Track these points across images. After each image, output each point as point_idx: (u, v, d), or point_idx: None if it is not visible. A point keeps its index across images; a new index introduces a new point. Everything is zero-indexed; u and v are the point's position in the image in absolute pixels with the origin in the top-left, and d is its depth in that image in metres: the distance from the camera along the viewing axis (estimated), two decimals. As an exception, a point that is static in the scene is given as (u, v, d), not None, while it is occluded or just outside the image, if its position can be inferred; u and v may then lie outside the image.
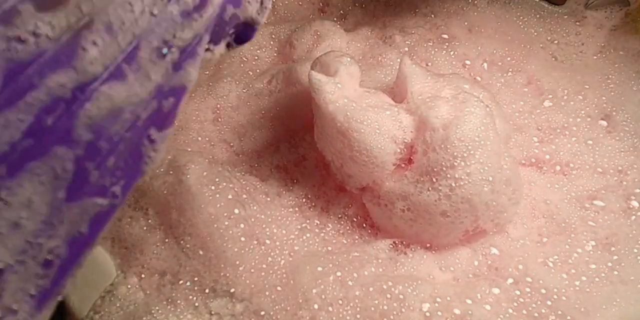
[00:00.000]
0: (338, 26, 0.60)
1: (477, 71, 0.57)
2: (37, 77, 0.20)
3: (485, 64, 0.58)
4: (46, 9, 0.20)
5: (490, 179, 0.44)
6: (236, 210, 0.48)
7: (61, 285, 0.24)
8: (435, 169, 0.44)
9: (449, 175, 0.43)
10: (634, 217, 0.49)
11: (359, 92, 0.48)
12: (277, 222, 0.49)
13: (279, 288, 0.45)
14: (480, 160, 0.44)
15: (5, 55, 0.19)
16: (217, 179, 0.49)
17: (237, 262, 0.46)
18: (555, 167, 0.52)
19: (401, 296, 0.44)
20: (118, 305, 0.47)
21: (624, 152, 0.52)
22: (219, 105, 0.56)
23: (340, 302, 0.44)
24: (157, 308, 0.46)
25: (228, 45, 0.29)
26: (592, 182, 0.50)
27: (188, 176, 0.48)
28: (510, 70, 0.58)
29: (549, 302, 0.44)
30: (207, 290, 0.46)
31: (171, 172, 0.49)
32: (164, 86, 0.25)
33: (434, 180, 0.44)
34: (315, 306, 0.44)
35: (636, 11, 0.60)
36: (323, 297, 0.44)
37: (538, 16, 0.62)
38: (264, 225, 0.48)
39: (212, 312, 0.46)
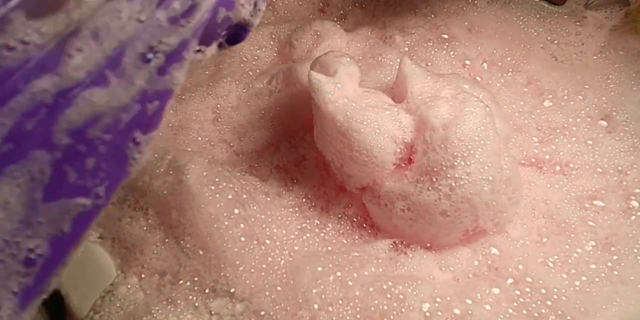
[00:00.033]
0: (338, 26, 0.60)
1: (477, 71, 0.57)
2: (22, 83, 0.21)
3: (485, 64, 0.58)
4: (37, 17, 0.20)
5: (490, 178, 0.44)
6: (236, 210, 0.48)
7: (45, 284, 0.25)
8: (435, 169, 0.44)
9: (449, 175, 0.43)
10: (633, 217, 0.49)
11: (359, 92, 0.48)
12: (277, 222, 0.49)
13: (279, 288, 0.45)
14: (480, 160, 0.44)
15: None
16: (217, 179, 0.49)
17: (237, 262, 0.46)
18: (555, 167, 0.52)
19: (401, 296, 0.44)
20: (118, 305, 0.47)
21: (624, 152, 0.52)
22: (219, 105, 0.56)
23: (340, 302, 0.44)
24: (157, 308, 0.46)
25: (220, 46, 0.30)
26: (592, 182, 0.51)
27: (188, 176, 0.48)
28: (510, 70, 0.58)
29: (549, 302, 0.44)
30: (207, 290, 0.46)
31: (171, 172, 0.49)
32: (148, 90, 0.25)
33: (434, 180, 0.44)
34: (315, 306, 0.44)
35: (636, 11, 0.60)
36: (323, 297, 0.44)
37: (538, 16, 0.62)
38: (264, 225, 0.48)
39: (212, 312, 0.46)
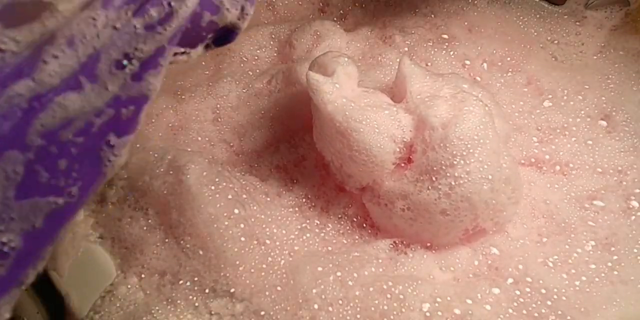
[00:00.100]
0: (338, 26, 0.60)
1: (476, 71, 0.57)
2: (3, 88, 0.22)
3: (485, 64, 0.58)
4: (13, 26, 0.21)
5: (490, 177, 0.44)
6: (236, 210, 0.48)
7: (21, 275, 0.26)
8: (434, 168, 0.44)
9: (448, 174, 0.44)
10: (633, 217, 0.49)
11: (357, 91, 0.48)
12: (277, 222, 0.49)
13: (279, 288, 0.45)
14: (479, 158, 0.44)
15: None
16: (217, 179, 0.49)
17: (237, 262, 0.46)
18: (555, 167, 0.52)
19: (401, 296, 0.44)
20: (118, 305, 0.47)
21: (624, 152, 0.52)
22: (219, 105, 0.56)
23: (340, 302, 0.44)
24: (157, 308, 0.46)
25: (207, 47, 0.30)
26: (592, 182, 0.51)
27: (188, 176, 0.48)
28: (510, 70, 0.58)
29: (549, 302, 0.44)
30: (207, 290, 0.46)
31: (171, 172, 0.49)
32: (122, 96, 0.26)
33: (434, 179, 0.44)
34: (315, 306, 0.44)
35: (636, 11, 0.60)
36: (323, 297, 0.44)
37: (538, 16, 0.62)
38: (264, 225, 0.48)
39: (212, 312, 0.46)
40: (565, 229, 0.48)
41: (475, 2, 0.62)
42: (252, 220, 0.48)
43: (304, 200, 0.51)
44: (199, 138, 0.55)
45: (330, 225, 0.50)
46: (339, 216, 0.50)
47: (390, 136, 0.46)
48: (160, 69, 0.27)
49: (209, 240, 0.46)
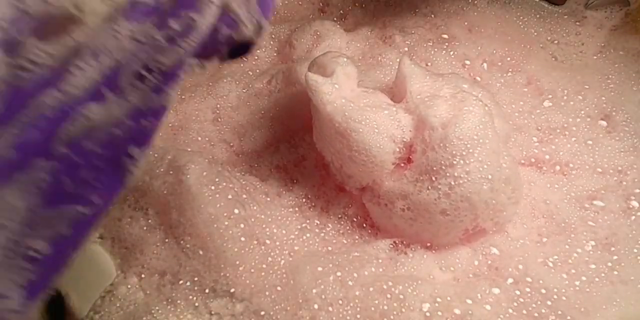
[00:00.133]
0: (338, 26, 0.60)
1: (477, 71, 0.57)
2: (30, 98, 0.22)
3: (485, 64, 0.58)
4: (46, 39, 0.22)
5: (490, 177, 0.44)
6: (236, 210, 0.48)
7: (49, 280, 0.27)
8: (434, 168, 0.44)
9: (448, 174, 0.44)
10: (633, 217, 0.49)
11: (357, 92, 0.48)
12: (277, 222, 0.49)
13: (279, 288, 0.45)
14: (479, 158, 0.44)
15: (8, 81, 0.21)
16: (217, 179, 0.49)
17: (237, 262, 0.46)
18: (555, 167, 0.52)
19: (401, 296, 0.44)
20: (118, 305, 0.47)
21: (624, 152, 0.52)
22: (219, 105, 0.56)
23: (340, 302, 0.44)
24: (157, 308, 0.46)
25: (221, 59, 0.31)
26: (592, 182, 0.50)
27: (188, 176, 0.48)
28: (510, 70, 0.58)
29: (549, 302, 0.44)
30: (207, 290, 0.46)
31: (171, 172, 0.49)
32: (143, 107, 0.26)
33: (434, 179, 0.44)
34: (315, 306, 0.44)
35: (636, 11, 0.60)
36: (323, 297, 0.44)
37: (538, 16, 0.62)
38: (264, 225, 0.48)
39: (212, 312, 0.46)
40: (565, 229, 0.48)
41: (475, 2, 0.62)
42: (252, 220, 0.48)
43: (304, 200, 0.51)
44: (199, 138, 0.55)
45: (330, 225, 0.50)
46: (339, 216, 0.50)
47: (390, 136, 0.46)
48: (178, 80, 0.28)
49: (209, 240, 0.46)
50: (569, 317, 0.44)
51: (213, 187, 0.48)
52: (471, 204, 0.44)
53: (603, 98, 0.55)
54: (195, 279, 0.46)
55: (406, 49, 0.59)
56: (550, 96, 0.56)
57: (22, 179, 0.24)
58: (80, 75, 0.24)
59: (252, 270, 0.46)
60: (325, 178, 0.51)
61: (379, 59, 0.58)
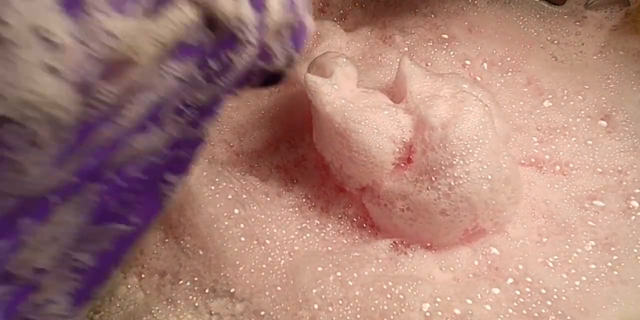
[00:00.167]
0: (338, 26, 0.60)
1: (477, 71, 0.57)
2: (92, 131, 0.24)
3: (485, 64, 0.58)
4: (108, 79, 0.23)
5: (489, 177, 0.44)
6: (236, 210, 0.48)
7: (93, 290, 0.30)
8: (434, 168, 0.44)
9: (448, 174, 0.44)
10: (633, 217, 0.48)
11: (356, 92, 0.48)
12: (277, 222, 0.49)
13: (279, 288, 0.45)
14: (479, 159, 0.44)
15: (79, 117, 0.23)
16: (217, 179, 0.49)
17: (237, 262, 0.46)
18: (555, 167, 0.52)
19: (401, 296, 0.44)
20: (118, 305, 0.47)
21: (624, 152, 0.52)
22: (219, 105, 0.56)
23: (340, 302, 0.44)
24: (157, 308, 0.46)
25: (253, 87, 0.33)
26: (592, 182, 0.50)
27: (188, 176, 0.48)
28: (510, 70, 0.58)
29: (549, 302, 0.44)
30: (207, 290, 0.46)
31: (171, 172, 0.49)
32: (181, 139, 0.29)
33: (433, 179, 0.44)
34: (315, 306, 0.44)
35: (636, 11, 0.60)
36: (323, 297, 0.44)
37: (538, 16, 0.62)
38: (264, 225, 0.48)
39: (212, 312, 0.46)
40: (565, 229, 0.48)
41: (475, 2, 0.62)
42: (252, 220, 0.48)
43: (304, 200, 0.51)
44: (199, 138, 0.55)
45: (330, 225, 0.50)
46: (339, 216, 0.50)
47: (390, 137, 0.46)
48: (214, 115, 0.30)
49: (209, 240, 0.46)
50: (569, 317, 0.44)
51: (213, 187, 0.48)
52: (471, 204, 0.44)
53: (603, 98, 0.55)
54: (195, 279, 0.46)
55: (406, 49, 0.59)
56: (550, 96, 0.56)
57: (77, 200, 0.26)
58: (130, 109, 0.25)
59: (252, 270, 0.46)
60: (325, 178, 0.51)
61: (379, 59, 0.58)
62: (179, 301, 0.46)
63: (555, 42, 0.61)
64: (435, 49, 0.58)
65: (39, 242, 0.26)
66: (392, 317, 0.43)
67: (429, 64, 0.57)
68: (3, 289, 0.26)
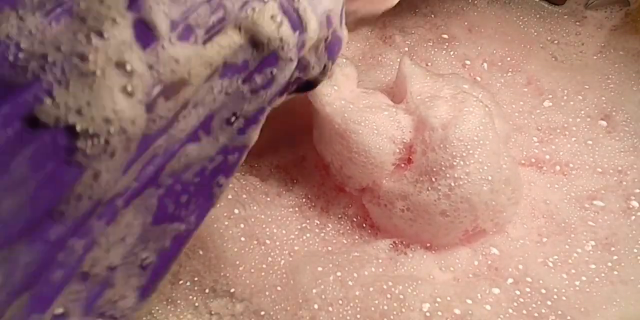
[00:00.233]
0: (338, 26, 0.60)
1: (477, 71, 0.57)
2: (151, 143, 0.27)
3: (485, 64, 0.58)
4: (168, 99, 0.27)
5: (490, 178, 0.44)
6: (236, 210, 0.48)
7: (155, 285, 0.32)
8: (434, 169, 0.44)
9: (448, 175, 0.44)
10: (633, 217, 0.48)
11: (356, 93, 0.48)
12: (277, 222, 0.49)
13: (279, 288, 0.45)
14: (479, 159, 0.44)
15: (143, 131, 0.26)
16: (217, 179, 0.49)
17: (237, 262, 0.46)
18: (555, 167, 0.52)
19: (401, 296, 0.44)
20: (118, 305, 0.47)
21: (624, 152, 0.52)
22: (219, 106, 0.56)
23: (340, 302, 0.44)
24: (157, 308, 0.46)
25: (289, 94, 0.35)
26: (592, 182, 0.50)
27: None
28: (510, 70, 0.58)
29: (549, 302, 0.44)
30: (207, 290, 0.46)
31: (171, 172, 0.49)
32: (229, 146, 0.32)
33: (433, 180, 0.44)
34: (315, 306, 0.44)
35: (636, 11, 0.60)
36: (323, 297, 0.44)
37: (538, 16, 0.62)
38: (264, 225, 0.48)
39: (212, 312, 0.46)
40: (565, 229, 0.48)
41: (475, 2, 0.62)
42: (252, 220, 0.48)
43: (304, 200, 0.51)
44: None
45: (330, 225, 0.50)
46: (339, 216, 0.50)
47: (390, 137, 0.46)
48: (259, 123, 0.33)
49: (209, 240, 0.47)
50: (569, 317, 0.44)
51: (213, 187, 0.48)
52: (471, 205, 0.44)
53: (603, 98, 0.55)
54: (195, 279, 0.46)
55: (406, 49, 0.59)
56: (550, 96, 0.56)
57: (138, 203, 0.29)
58: (183, 122, 0.29)
59: (252, 270, 0.46)
60: (325, 178, 0.51)
61: (379, 59, 0.58)
62: (178, 301, 0.46)
63: (555, 42, 0.61)
64: (435, 49, 0.58)
65: (109, 242, 0.28)
66: (392, 317, 0.43)
67: (429, 64, 0.57)
68: (80, 286, 0.28)
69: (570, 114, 0.54)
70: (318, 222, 0.50)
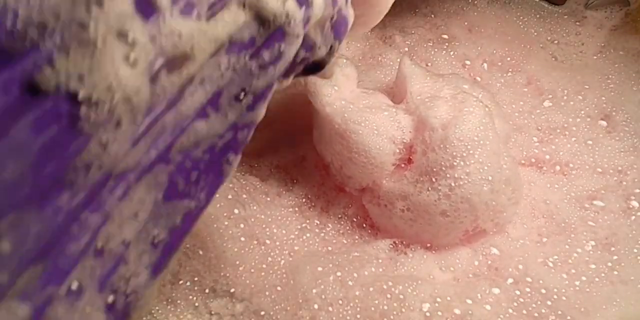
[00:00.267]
0: (338, 26, 0.60)
1: (477, 71, 0.57)
2: (159, 118, 0.28)
3: (485, 64, 0.58)
4: (172, 72, 0.27)
5: (490, 178, 0.44)
6: (236, 210, 0.48)
7: (167, 262, 0.32)
8: (434, 169, 0.44)
9: (448, 175, 0.44)
10: (633, 217, 0.49)
11: (356, 93, 0.48)
12: (277, 222, 0.49)
13: (279, 288, 0.45)
14: (479, 159, 0.44)
15: (148, 103, 0.26)
16: (217, 179, 0.48)
17: (237, 262, 0.46)
18: (555, 167, 0.52)
19: (401, 296, 0.44)
20: (118, 305, 0.47)
21: (624, 152, 0.52)
22: (219, 106, 0.56)
23: (340, 302, 0.44)
24: (157, 308, 0.46)
25: (297, 76, 0.35)
26: (592, 182, 0.50)
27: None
28: (510, 70, 0.58)
29: (549, 302, 0.44)
30: (207, 290, 0.46)
31: (171, 172, 0.49)
32: (239, 123, 0.32)
33: (434, 180, 0.44)
34: (315, 306, 0.44)
35: (636, 11, 0.60)
36: (323, 297, 0.44)
37: (538, 16, 0.62)
38: (264, 225, 0.48)
39: (212, 312, 0.46)
40: (565, 229, 0.48)
41: (475, 2, 0.62)
42: (252, 220, 0.48)
43: (304, 200, 0.51)
44: (199, 138, 0.55)
45: (330, 225, 0.50)
46: (339, 216, 0.50)
47: (390, 137, 0.46)
48: (267, 99, 0.33)
49: (209, 240, 0.46)
50: (569, 317, 0.44)
51: (213, 187, 0.48)
52: (471, 205, 0.44)
53: (603, 98, 0.55)
54: (195, 279, 0.46)
55: (406, 49, 0.59)
56: (550, 96, 0.56)
57: (149, 179, 0.29)
58: (190, 98, 0.29)
59: (252, 270, 0.46)
60: (325, 178, 0.51)
61: (379, 59, 0.58)
62: (179, 301, 0.46)
63: (555, 42, 0.61)
64: (435, 49, 0.58)
65: (122, 218, 0.29)
66: (392, 317, 0.43)
67: (429, 64, 0.57)
68: (95, 262, 0.28)
69: (570, 114, 0.54)
70: (318, 222, 0.50)
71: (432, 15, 0.61)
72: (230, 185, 0.49)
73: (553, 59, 0.60)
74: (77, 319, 0.27)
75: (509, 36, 0.60)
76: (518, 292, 0.45)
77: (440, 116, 0.45)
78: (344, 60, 0.49)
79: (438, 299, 0.44)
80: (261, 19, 0.29)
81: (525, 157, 0.52)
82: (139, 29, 0.25)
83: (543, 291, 0.45)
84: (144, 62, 0.25)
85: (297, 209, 0.50)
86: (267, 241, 0.48)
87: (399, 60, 0.51)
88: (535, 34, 0.61)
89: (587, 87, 0.56)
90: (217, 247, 0.46)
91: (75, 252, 0.27)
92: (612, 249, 0.47)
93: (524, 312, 0.44)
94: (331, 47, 0.36)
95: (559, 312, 0.44)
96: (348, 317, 0.44)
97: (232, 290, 0.46)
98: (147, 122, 0.27)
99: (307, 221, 0.50)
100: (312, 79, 0.47)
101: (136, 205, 0.29)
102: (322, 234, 0.49)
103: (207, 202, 0.33)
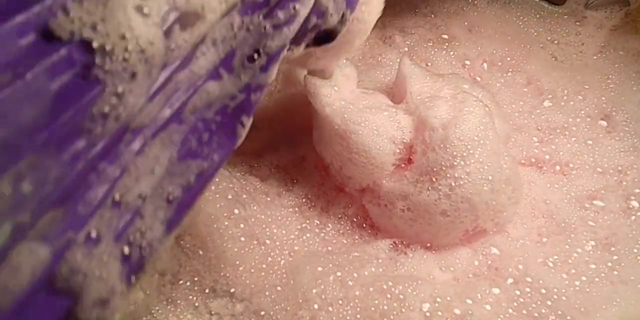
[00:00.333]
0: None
1: (477, 71, 0.57)
2: (172, 76, 0.28)
3: (485, 64, 0.58)
4: (184, 29, 0.28)
5: (490, 178, 0.44)
6: (236, 210, 0.48)
7: (181, 219, 0.33)
8: (434, 169, 0.44)
9: (448, 175, 0.44)
10: (633, 217, 0.49)
11: (356, 93, 0.48)
12: (277, 222, 0.49)
13: (279, 288, 0.45)
14: (479, 159, 0.44)
15: (163, 59, 0.27)
16: (217, 179, 0.49)
17: (237, 262, 0.46)
18: (555, 167, 0.52)
19: (401, 296, 0.44)
20: (118, 305, 0.47)
21: (624, 152, 0.52)
22: (219, 106, 0.56)
23: (340, 302, 0.44)
24: (157, 308, 0.46)
25: (307, 46, 0.36)
26: (592, 182, 0.50)
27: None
28: (510, 70, 0.58)
29: (549, 302, 0.44)
30: (207, 290, 0.46)
31: (171, 172, 0.49)
32: (252, 84, 0.32)
33: (434, 180, 0.44)
34: (315, 306, 0.44)
35: (636, 11, 0.60)
36: (323, 297, 0.44)
37: (538, 16, 0.62)
38: (264, 225, 0.48)
39: (212, 312, 0.46)
40: (565, 229, 0.48)
41: (475, 2, 0.62)
42: (252, 220, 0.48)
43: (304, 200, 0.51)
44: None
45: (330, 225, 0.50)
46: (339, 216, 0.50)
47: (390, 138, 0.46)
48: (280, 60, 0.33)
49: (209, 240, 0.46)
50: (569, 317, 0.44)
51: (213, 187, 0.48)
52: (471, 205, 0.44)
53: (603, 98, 0.55)
54: (195, 279, 0.46)
55: (406, 49, 0.59)
56: (550, 96, 0.56)
57: (164, 137, 0.30)
58: (203, 58, 0.30)
59: (252, 270, 0.46)
60: (325, 178, 0.51)
61: (379, 59, 0.58)
62: (179, 301, 0.46)
63: (555, 42, 0.61)
64: (435, 49, 0.58)
65: (139, 172, 0.29)
66: (392, 317, 0.43)
67: (429, 64, 0.57)
68: (112, 213, 0.28)
69: (570, 114, 0.54)
70: (318, 222, 0.50)
71: (432, 15, 0.61)
72: (230, 185, 0.49)
73: (553, 59, 0.60)
74: (94, 266, 0.27)
75: (509, 36, 0.60)
76: (518, 292, 0.45)
77: (440, 116, 0.45)
78: (344, 61, 0.49)
79: (438, 299, 0.44)
80: None
81: (525, 157, 0.52)
82: None
83: (543, 291, 0.45)
84: (157, 15, 0.26)
85: (297, 209, 0.50)
86: (267, 241, 0.48)
87: (398, 60, 0.51)
88: (535, 34, 0.61)
89: (587, 87, 0.56)
90: (217, 247, 0.46)
91: (94, 201, 0.27)
92: (612, 249, 0.47)
93: (524, 312, 0.44)
94: (343, 15, 0.36)
95: (559, 312, 0.44)
96: (348, 317, 0.44)
97: (232, 290, 0.46)
98: (163, 78, 0.28)
99: (307, 221, 0.50)
100: (312, 79, 0.47)
101: (152, 161, 0.30)
102: (322, 234, 0.49)
103: (220, 164, 0.34)
